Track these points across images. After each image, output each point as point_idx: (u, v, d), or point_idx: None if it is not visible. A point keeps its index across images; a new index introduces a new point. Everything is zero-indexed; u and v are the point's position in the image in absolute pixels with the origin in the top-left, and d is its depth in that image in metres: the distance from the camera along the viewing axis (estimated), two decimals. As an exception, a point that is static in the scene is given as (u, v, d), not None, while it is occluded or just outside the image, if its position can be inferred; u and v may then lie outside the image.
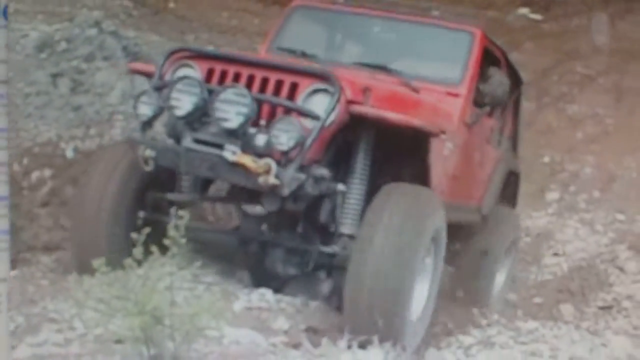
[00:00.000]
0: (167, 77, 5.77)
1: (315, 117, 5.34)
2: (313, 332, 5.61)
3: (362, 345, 5.11)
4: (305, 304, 6.12)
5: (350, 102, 5.44)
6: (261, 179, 5.21)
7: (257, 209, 5.74)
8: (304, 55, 6.69)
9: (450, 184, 6.61)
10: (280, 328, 5.61)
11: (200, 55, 5.88)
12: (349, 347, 5.10)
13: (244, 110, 5.28)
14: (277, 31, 7.21)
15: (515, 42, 13.91)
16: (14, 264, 7.22)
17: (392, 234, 5.31)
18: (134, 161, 5.84)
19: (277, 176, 5.22)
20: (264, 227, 6.11)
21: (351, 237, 5.66)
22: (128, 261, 4.32)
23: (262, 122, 5.41)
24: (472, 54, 6.80)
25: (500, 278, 7.99)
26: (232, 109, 5.29)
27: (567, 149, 11.99)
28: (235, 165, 5.26)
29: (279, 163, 5.26)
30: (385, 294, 5.24)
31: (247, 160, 5.23)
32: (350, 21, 7.23)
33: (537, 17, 15.58)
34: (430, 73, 6.73)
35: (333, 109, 5.34)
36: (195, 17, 14.06)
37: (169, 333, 4.27)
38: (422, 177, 5.94)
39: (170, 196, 6.04)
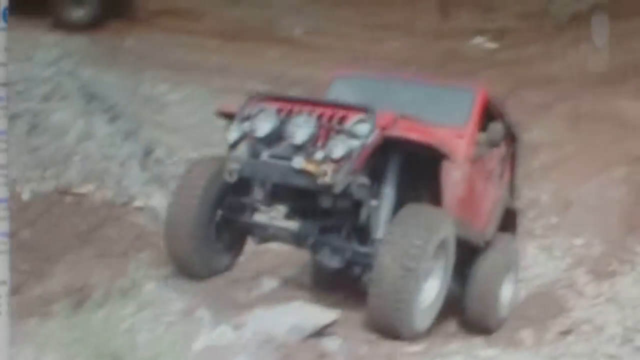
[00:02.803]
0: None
1: (358, 137, 7.05)
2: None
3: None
4: (267, 340, 6.14)
5: (383, 127, 7.07)
6: (319, 180, 6.95)
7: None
8: None
9: (459, 204, 8.12)
10: (241, 365, 5.64)
11: (272, 98, 7.67)
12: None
13: (309, 130, 7.10)
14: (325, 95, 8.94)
15: (471, 71, 14.09)
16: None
17: (405, 237, 6.91)
18: (215, 173, 7.54)
19: (331, 178, 6.91)
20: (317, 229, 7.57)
21: (381, 241, 7.16)
22: (88, 303, 4.33)
23: (319, 143, 7.15)
24: (476, 105, 8.55)
25: (506, 293, 9.10)
26: (300, 130, 7.11)
27: (524, 176, 12.08)
28: (301, 171, 7.04)
29: (332, 170, 6.95)
30: (395, 284, 6.82)
31: (310, 166, 7.00)
32: (378, 84, 9.03)
33: (492, 46, 15.79)
34: (442, 119, 8.17)
35: (371, 131, 7.03)
36: (153, 54, 14.09)
37: (130, 376, 4.25)
38: (437, 195, 7.64)
39: (245, 199, 7.58)
